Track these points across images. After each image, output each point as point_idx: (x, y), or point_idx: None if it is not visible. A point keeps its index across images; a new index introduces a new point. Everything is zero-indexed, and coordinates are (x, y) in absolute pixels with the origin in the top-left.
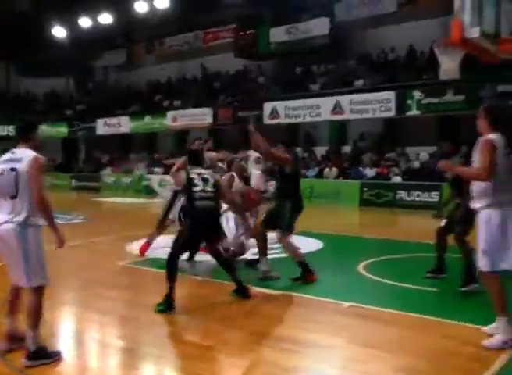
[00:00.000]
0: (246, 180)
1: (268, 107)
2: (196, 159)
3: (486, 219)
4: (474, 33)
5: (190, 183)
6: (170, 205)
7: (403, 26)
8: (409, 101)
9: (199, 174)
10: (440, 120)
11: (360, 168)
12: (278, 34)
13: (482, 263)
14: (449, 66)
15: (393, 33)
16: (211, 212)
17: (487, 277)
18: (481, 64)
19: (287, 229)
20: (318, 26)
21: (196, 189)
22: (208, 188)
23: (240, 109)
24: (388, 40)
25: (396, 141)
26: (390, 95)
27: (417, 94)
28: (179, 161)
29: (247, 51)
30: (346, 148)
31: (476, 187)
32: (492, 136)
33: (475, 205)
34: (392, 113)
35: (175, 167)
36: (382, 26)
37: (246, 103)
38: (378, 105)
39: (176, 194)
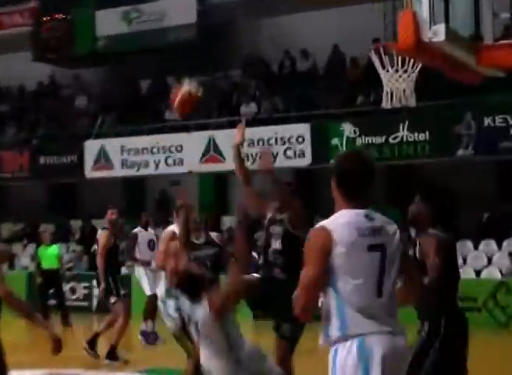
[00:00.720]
0: None
1: (91, 148)
2: None
3: (338, 362)
4: (437, 34)
5: None
6: None
7: (323, 14)
8: (334, 142)
9: None
10: (389, 172)
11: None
12: (109, 22)
13: None
14: (398, 85)
15: (306, 25)
16: None
17: None
18: (452, 83)
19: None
20: (178, 11)
21: None
22: None
23: (43, 152)
24: (297, 37)
25: (316, 206)
26: (303, 130)
27: (347, 128)
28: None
29: (56, 50)
30: (229, 220)
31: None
32: (335, 220)
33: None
34: (306, 161)
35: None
36: (286, 15)
37: (54, 140)
38: (283, 146)
39: None
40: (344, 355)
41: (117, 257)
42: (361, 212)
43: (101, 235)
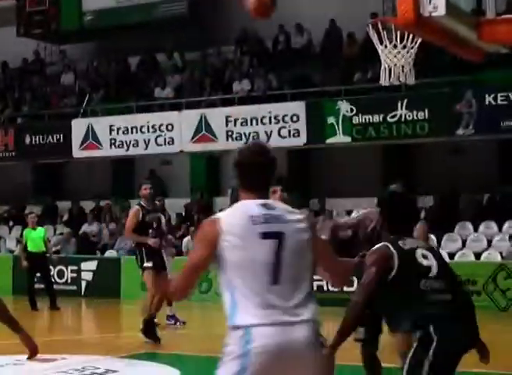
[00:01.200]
0: None
1: (79, 127)
2: None
3: (226, 352)
4: (438, 8)
5: None
6: None
7: None
8: (330, 120)
9: None
10: (386, 152)
11: None
12: None
13: None
14: (397, 61)
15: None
16: None
17: None
18: (453, 59)
19: None
20: None
21: None
22: None
23: (29, 131)
24: (291, 11)
25: (312, 189)
26: (297, 109)
27: (344, 106)
28: None
29: (42, 25)
30: (222, 201)
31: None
32: (229, 210)
33: None
34: (301, 140)
35: None
36: None
37: (40, 119)
38: (277, 125)
39: None
40: (230, 347)
41: (146, 233)
42: (259, 201)
43: (131, 210)
